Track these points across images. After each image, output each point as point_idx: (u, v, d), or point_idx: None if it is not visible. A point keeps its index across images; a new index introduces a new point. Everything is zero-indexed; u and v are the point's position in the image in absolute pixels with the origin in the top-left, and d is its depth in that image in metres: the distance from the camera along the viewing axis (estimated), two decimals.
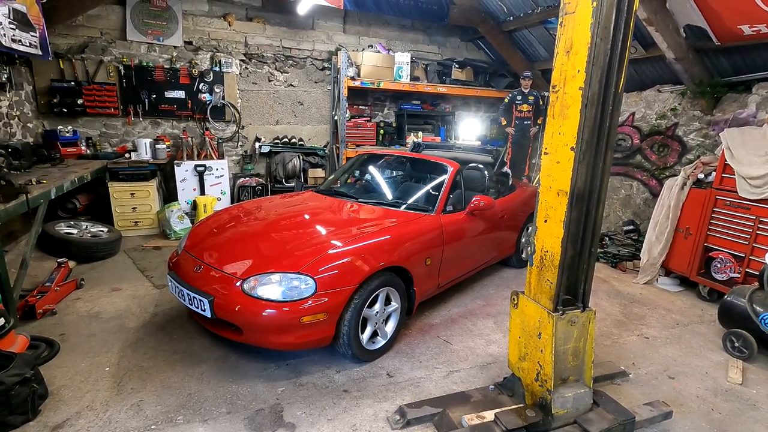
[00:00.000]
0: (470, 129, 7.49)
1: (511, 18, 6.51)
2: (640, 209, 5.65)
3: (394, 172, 4.84)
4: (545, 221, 2.14)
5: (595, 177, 2.06)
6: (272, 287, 2.43)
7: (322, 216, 3.39)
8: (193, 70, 5.99)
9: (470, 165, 4.34)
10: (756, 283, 3.22)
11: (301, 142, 6.91)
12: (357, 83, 6.41)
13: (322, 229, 3.02)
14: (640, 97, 5.75)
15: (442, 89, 7.01)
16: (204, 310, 2.49)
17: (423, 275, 3.13)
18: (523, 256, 4.72)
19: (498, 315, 3.64)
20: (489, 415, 2.16)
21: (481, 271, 4.30)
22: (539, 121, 6.70)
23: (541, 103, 6.74)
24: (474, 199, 3.54)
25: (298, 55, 6.76)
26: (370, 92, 7.31)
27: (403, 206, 3.52)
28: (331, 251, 2.63)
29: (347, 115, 6.63)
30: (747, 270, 3.74)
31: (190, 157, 5.95)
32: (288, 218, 3.30)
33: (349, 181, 4.71)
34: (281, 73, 6.71)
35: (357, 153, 6.04)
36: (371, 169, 4.49)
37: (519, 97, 6.68)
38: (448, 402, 2.33)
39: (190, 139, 6.09)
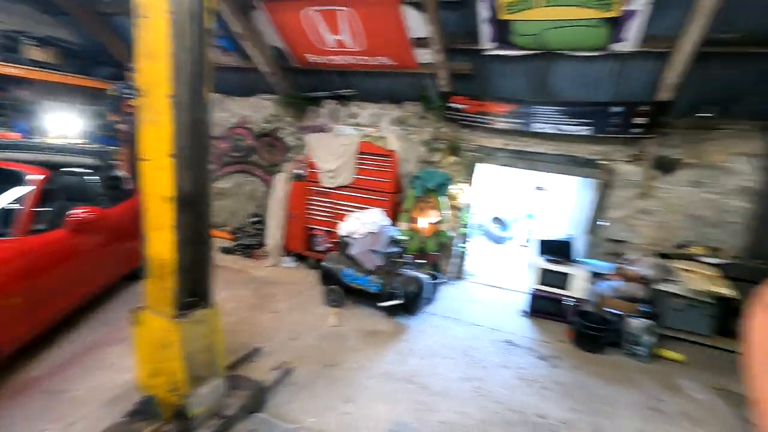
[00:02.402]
0: (67, 124, 6.13)
1: None
2: (263, 202, 6.45)
3: None
4: (156, 229, 2.07)
5: (200, 180, 2.16)
6: None
7: None
8: None
9: (68, 170, 3.57)
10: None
11: None
12: None
13: None
14: (248, 102, 6.46)
15: (10, 69, 5.33)
16: None
17: (4, 319, 2.37)
18: None
19: (129, 339, 3.24)
20: None
21: (104, 293, 3.70)
22: None
23: None
24: (73, 211, 2.96)
25: None
26: None
27: None
28: None
29: None
30: (335, 240, 5.04)
31: None
32: None
33: None
34: None
35: None
36: None
37: (128, 91, 6.03)
38: None
39: None
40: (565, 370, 3.42)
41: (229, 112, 6.57)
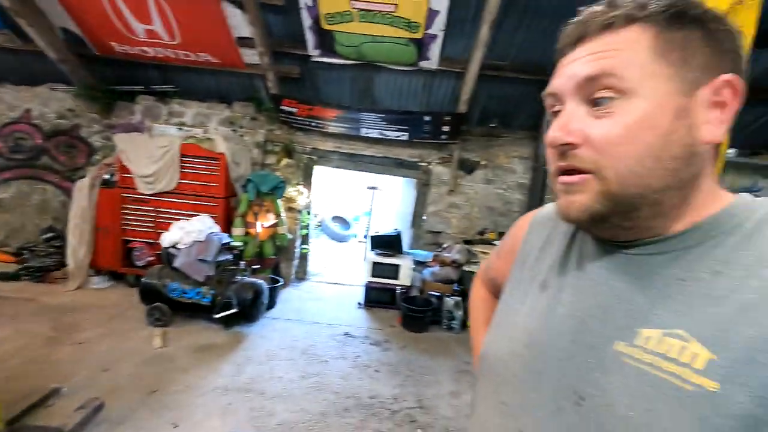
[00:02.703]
0: None
1: None
2: (60, 214, 5.36)
3: None
4: None
5: None
6: None
7: None
8: None
9: None
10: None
11: None
12: None
13: None
14: (33, 93, 5.28)
15: None
16: None
17: None
18: None
19: None
20: None
21: None
22: None
23: None
24: None
25: None
26: None
27: None
28: None
29: None
30: (157, 253, 4.53)
31: None
32: None
33: None
34: None
35: None
36: None
37: None
38: None
39: None
40: (394, 352, 3.81)
41: (6, 104, 5.28)
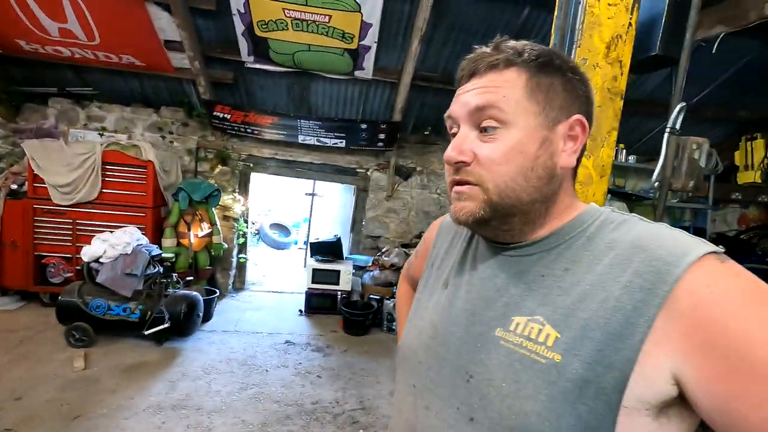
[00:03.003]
0: None
1: None
2: None
3: None
4: None
5: None
6: None
7: None
8: None
9: None
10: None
11: None
12: None
13: None
14: None
15: None
16: None
17: None
18: None
19: None
20: None
21: None
22: None
23: None
24: None
25: None
26: None
27: None
28: None
29: None
30: (77, 268, 4.20)
31: None
32: None
33: None
34: None
35: None
36: None
37: None
38: None
39: None
40: (336, 356, 3.86)
41: None
